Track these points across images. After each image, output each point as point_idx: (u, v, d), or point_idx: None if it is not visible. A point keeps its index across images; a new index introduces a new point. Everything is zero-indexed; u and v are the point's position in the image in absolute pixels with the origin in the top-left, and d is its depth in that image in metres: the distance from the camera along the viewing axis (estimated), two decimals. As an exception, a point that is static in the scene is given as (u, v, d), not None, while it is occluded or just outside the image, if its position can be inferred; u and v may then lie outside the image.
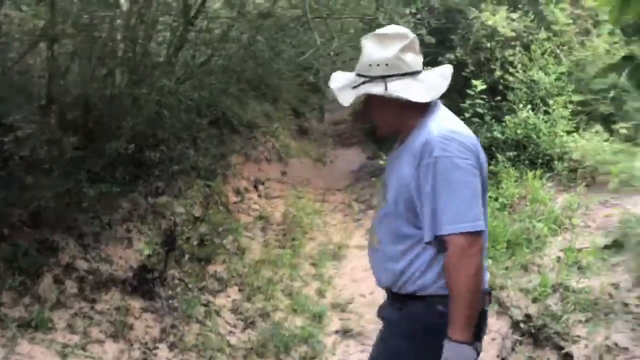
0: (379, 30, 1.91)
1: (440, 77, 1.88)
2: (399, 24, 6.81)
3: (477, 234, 1.69)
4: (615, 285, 3.61)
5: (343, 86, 1.89)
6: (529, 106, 6.47)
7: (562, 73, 6.73)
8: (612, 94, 6.46)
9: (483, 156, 1.84)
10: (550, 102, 6.37)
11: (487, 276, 1.91)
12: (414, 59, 1.85)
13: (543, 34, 7.15)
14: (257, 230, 6.17)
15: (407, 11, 7.37)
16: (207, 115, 5.23)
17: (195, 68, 4.89)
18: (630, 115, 6.33)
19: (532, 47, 7.11)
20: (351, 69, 1.98)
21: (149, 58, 4.60)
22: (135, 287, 4.02)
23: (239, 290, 4.81)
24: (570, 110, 6.28)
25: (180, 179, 5.05)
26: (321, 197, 7.70)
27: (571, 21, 7.19)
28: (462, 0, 8.14)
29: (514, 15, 7.44)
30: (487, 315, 1.91)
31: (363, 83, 1.83)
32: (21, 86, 3.95)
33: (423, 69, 1.89)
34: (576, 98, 6.39)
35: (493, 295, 3.88)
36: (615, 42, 6.83)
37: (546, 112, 6.36)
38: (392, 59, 1.80)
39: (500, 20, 7.34)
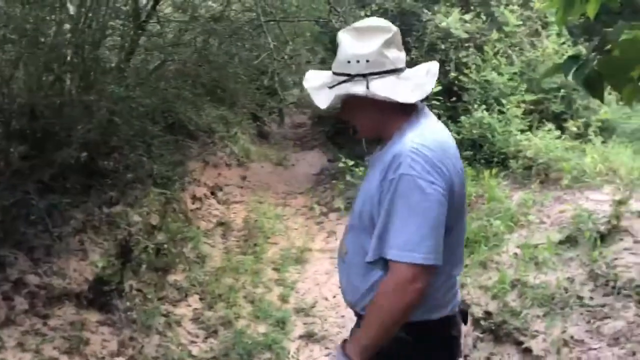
0: (357, 23, 1.71)
1: (426, 75, 1.70)
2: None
3: (427, 269, 1.49)
4: (570, 280, 3.69)
5: (319, 86, 1.69)
6: (484, 106, 6.60)
7: (515, 73, 6.90)
8: (562, 92, 6.67)
9: (459, 179, 1.65)
10: (504, 101, 6.52)
11: (459, 297, 1.79)
12: (398, 55, 1.66)
13: (495, 35, 7.32)
14: (218, 237, 6.10)
15: (362, 14, 7.43)
16: (161, 121, 5.11)
17: (148, 73, 4.78)
18: (579, 113, 6.55)
19: (485, 48, 7.27)
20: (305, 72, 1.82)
21: (98, 64, 4.47)
22: (91, 301, 3.89)
23: (200, 299, 4.73)
24: (523, 109, 6.44)
25: (136, 187, 4.92)
26: (282, 201, 7.66)
27: (521, 22, 7.39)
28: (415, 3, 8.25)
29: (467, 17, 7.59)
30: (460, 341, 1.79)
31: (341, 82, 1.63)
32: (-38, 95, 3.78)
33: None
34: (528, 97, 6.56)
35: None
36: (563, 43, 7.06)
37: (500, 112, 6.50)
38: (373, 54, 1.61)
39: (454, 22, 7.48)
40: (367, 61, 1.60)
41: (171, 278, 4.77)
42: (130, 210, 4.66)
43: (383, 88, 1.60)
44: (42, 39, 4.09)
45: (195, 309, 4.56)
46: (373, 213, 1.59)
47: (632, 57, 1.74)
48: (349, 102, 1.68)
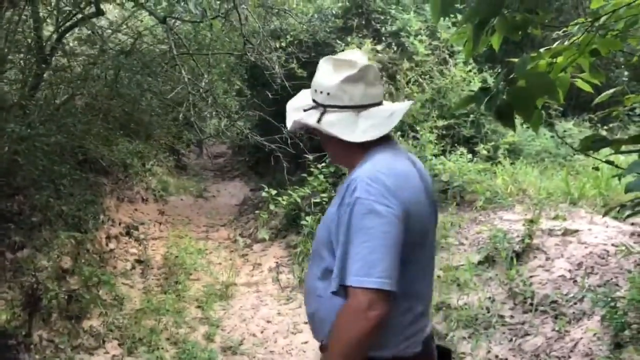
0: (340, 54, 1.71)
1: (389, 116, 1.65)
2: (270, 59, 6.93)
3: (384, 294, 1.42)
4: (491, 299, 3.82)
5: (298, 107, 1.71)
6: (399, 133, 6.79)
7: (426, 100, 7.18)
8: (471, 117, 7.00)
9: (421, 211, 1.59)
10: (418, 128, 6.74)
11: (429, 330, 1.70)
12: (363, 92, 1.63)
13: (406, 64, 7.60)
14: (137, 276, 5.81)
15: (277, 45, 7.48)
16: (70, 159, 4.83)
17: (55, 109, 4.52)
18: (488, 136, 6.89)
19: (397, 77, 7.52)
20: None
21: (-3, 100, 4.18)
22: (-6, 357, 3.56)
23: (119, 344, 4.46)
24: (436, 134, 6.68)
25: (44, 229, 4.60)
26: (204, 235, 7.46)
27: (430, 52, 7.73)
28: (329, 34, 8.44)
29: (379, 47, 7.84)
30: None
31: (311, 108, 1.66)
32: None
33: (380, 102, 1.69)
34: (440, 123, 6.82)
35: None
36: (470, 70, 7.44)
37: (415, 138, 6.70)
38: (333, 88, 1.62)
39: (366, 52, 7.69)
40: (328, 94, 1.63)
41: (86, 324, 4.47)
42: (39, 255, 4.34)
43: (332, 123, 1.62)
44: None
45: (114, 355, 4.29)
46: (331, 239, 1.56)
47: (536, 87, 1.83)
48: (315, 129, 1.68)
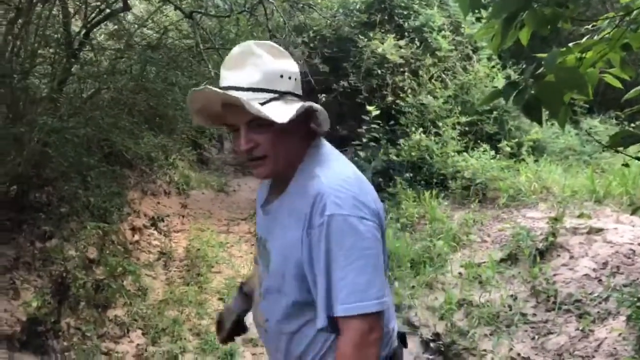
0: (263, 42, 1.46)
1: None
2: (293, 54, 6.95)
3: (379, 314, 1.33)
4: (514, 297, 3.80)
5: (248, 99, 1.35)
6: (421, 129, 6.78)
7: (449, 96, 7.14)
8: (494, 114, 6.94)
9: (382, 211, 1.47)
10: (440, 124, 6.72)
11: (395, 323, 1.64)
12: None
13: (429, 60, 7.57)
14: (159, 268, 5.89)
15: (300, 40, 7.51)
16: (97, 151, 4.92)
17: (82, 102, 4.61)
18: (512, 133, 6.83)
19: (420, 72, 7.50)
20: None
21: (28, 93, 4.26)
22: (25, 343, 3.65)
23: (143, 333, 4.53)
24: (458, 131, 6.65)
25: (71, 220, 4.69)
26: (225, 228, 7.52)
27: (453, 47, 7.68)
28: (352, 29, 8.43)
29: (402, 43, 7.82)
30: None
31: (272, 100, 1.37)
32: None
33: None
34: (463, 119, 6.78)
35: (403, 316, 3.96)
36: (494, 67, 7.38)
37: (437, 134, 6.68)
38: (296, 74, 1.45)
39: (389, 47, 7.68)
40: (295, 80, 1.44)
41: (111, 314, 4.55)
42: (66, 245, 4.43)
43: (317, 110, 1.42)
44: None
45: (138, 344, 4.36)
46: (301, 268, 1.37)
47: (566, 81, 1.82)
48: (265, 127, 1.38)
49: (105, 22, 5.37)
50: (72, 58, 4.74)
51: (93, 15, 5.04)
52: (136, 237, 6.06)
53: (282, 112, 1.34)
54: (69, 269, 4.25)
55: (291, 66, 1.44)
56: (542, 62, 1.86)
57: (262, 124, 1.36)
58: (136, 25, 5.79)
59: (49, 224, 4.42)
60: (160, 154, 6.46)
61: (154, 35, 5.82)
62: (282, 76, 1.40)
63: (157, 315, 4.72)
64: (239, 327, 1.89)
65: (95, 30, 5.35)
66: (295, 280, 1.39)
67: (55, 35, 4.76)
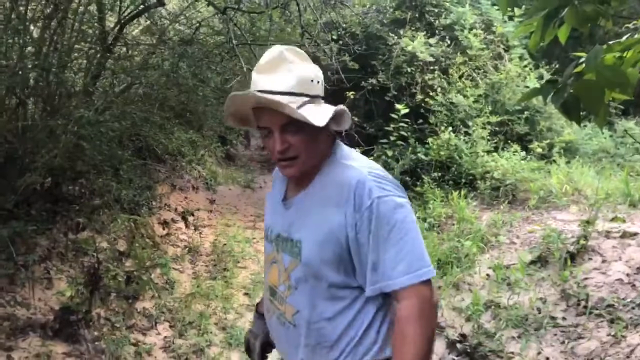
0: (290, 47, 1.53)
1: None
2: (323, 51, 6.96)
3: (431, 280, 1.43)
4: (543, 300, 3.74)
5: (290, 102, 1.42)
6: (450, 128, 6.71)
7: (479, 95, 7.06)
8: (526, 114, 6.84)
9: None
10: (470, 123, 6.65)
11: None
12: None
13: (459, 59, 7.49)
14: (186, 262, 5.96)
15: (329, 37, 7.51)
16: (130, 145, 5.00)
17: (115, 96, 4.68)
18: (543, 134, 6.72)
19: (450, 71, 7.43)
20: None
21: (64, 87, 4.35)
22: (57, 331, 3.72)
23: (170, 326, 4.59)
24: (488, 130, 6.57)
25: (103, 212, 4.78)
26: (252, 224, 7.57)
27: (485, 46, 7.59)
28: (382, 27, 8.39)
29: (432, 41, 7.75)
30: None
31: (306, 103, 1.45)
32: None
33: None
34: (494, 119, 6.70)
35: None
36: (525, 66, 7.27)
37: (466, 134, 6.61)
38: (322, 78, 1.54)
39: (419, 45, 7.63)
40: (320, 83, 1.52)
41: (140, 305, 4.62)
42: (98, 237, 4.51)
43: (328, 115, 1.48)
44: (5, 63, 3.96)
45: (166, 337, 4.42)
46: (342, 252, 1.44)
47: (607, 80, 1.78)
48: (300, 129, 1.45)
49: (138, 18, 5.45)
50: (106, 53, 4.82)
51: (127, 10, 5.12)
52: (164, 231, 6.15)
53: (318, 115, 1.42)
54: (101, 260, 4.33)
55: (318, 70, 1.52)
56: (582, 61, 1.82)
57: (297, 126, 1.43)
58: (168, 21, 5.86)
59: (82, 215, 4.51)
60: (189, 149, 6.54)
61: (186, 31, 5.89)
62: (312, 80, 1.47)
63: (184, 309, 4.77)
64: (268, 346, 1.87)
65: (129, 25, 5.44)
66: (332, 263, 1.45)
67: (91, 31, 4.85)
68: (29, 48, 4.22)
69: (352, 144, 6.94)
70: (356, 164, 1.49)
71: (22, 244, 3.87)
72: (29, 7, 4.23)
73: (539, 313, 3.66)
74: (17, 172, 3.95)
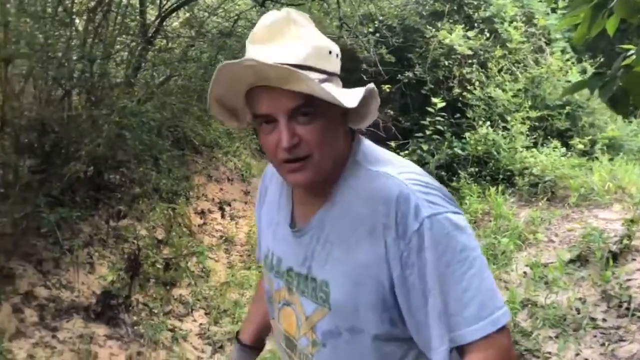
0: (294, 11, 1.07)
1: None
2: (362, 43, 6.91)
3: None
4: (582, 300, 3.66)
5: (317, 79, 0.99)
6: (488, 123, 6.61)
7: (519, 90, 6.93)
8: (567, 109, 6.68)
9: None
10: (508, 118, 6.53)
11: None
12: None
13: (499, 52, 7.36)
14: (222, 251, 6.06)
15: (365, 30, 7.46)
16: (169, 135, 5.11)
17: (155, 88, 4.79)
18: (585, 130, 6.56)
19: (489, 64, 7.31)
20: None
21: (107, 78, 4.47)
22: (99, 314, 3.87)
23: (206, 313, 4.69)
24: (528, 126, 6.45)
25: (142, 201, 4.90)
26: (285, 217, 7.62)
27: (525, 39, 7.43)
28: (419, 20, 8.30)
29: (470, 34, 7.63)
30: None
31: (324, 81, 1.02)
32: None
33: None
34: (533, 114, 6.57)
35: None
36: (567, 60, 7.10)
37: (505, 128, 6.51)
38: (339, 52, 1.10)
39: (457, 38, 7.51)
40: (338, 57, 1.09)
41: (177, 292, 4.73)
42: (138, 224, 4.63)
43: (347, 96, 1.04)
44: (52, 54, 4.09)
45: (201, 324, 4.52)
46: (384, 294, 1.04)
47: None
48: (318, 115, 1.02)
49: (178, 11, 5.53)
50: (147, 45, 4.92)
51: (168, 3, 5.21)
52: (201, 221, 6.26)
53: (347, 96, 1.01)
54: (141, 247, 4.45)
55: (332, 41, 1.10)
56: (632, 53, 1.78)
57: (311, 113, 1.01)
58: (207, 14, 5.93)
59: (122, 203, 4.63)
60: (226, 141, 6.62)
61: (225, 23, 5.95)
62: (330, 52, 1.05)
63: (219, 297, 4.86)
64: None
65: (169, 18, 5.53)
66: (374, 310, 1.06)
67: (132, 24, 4.96)
68: (74, 40, 4.35)
69: (389, 137, 6.93)
70: (390, 170, 1.08)
71: (67, 230, 4.01)
72: (75, 1, 4.36)
73: (578, 313, 3.59)
74: (62, 160, 4.08)
